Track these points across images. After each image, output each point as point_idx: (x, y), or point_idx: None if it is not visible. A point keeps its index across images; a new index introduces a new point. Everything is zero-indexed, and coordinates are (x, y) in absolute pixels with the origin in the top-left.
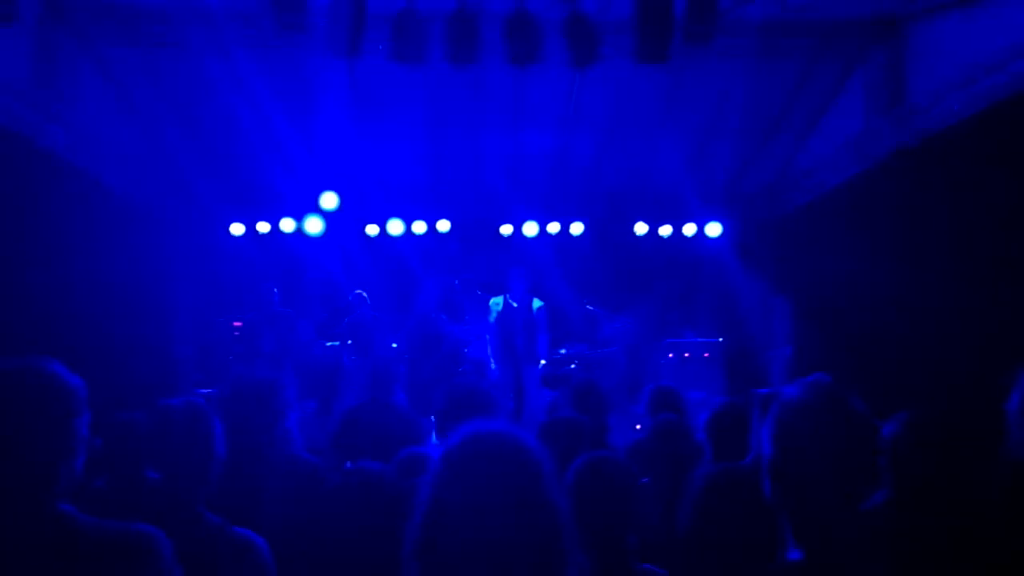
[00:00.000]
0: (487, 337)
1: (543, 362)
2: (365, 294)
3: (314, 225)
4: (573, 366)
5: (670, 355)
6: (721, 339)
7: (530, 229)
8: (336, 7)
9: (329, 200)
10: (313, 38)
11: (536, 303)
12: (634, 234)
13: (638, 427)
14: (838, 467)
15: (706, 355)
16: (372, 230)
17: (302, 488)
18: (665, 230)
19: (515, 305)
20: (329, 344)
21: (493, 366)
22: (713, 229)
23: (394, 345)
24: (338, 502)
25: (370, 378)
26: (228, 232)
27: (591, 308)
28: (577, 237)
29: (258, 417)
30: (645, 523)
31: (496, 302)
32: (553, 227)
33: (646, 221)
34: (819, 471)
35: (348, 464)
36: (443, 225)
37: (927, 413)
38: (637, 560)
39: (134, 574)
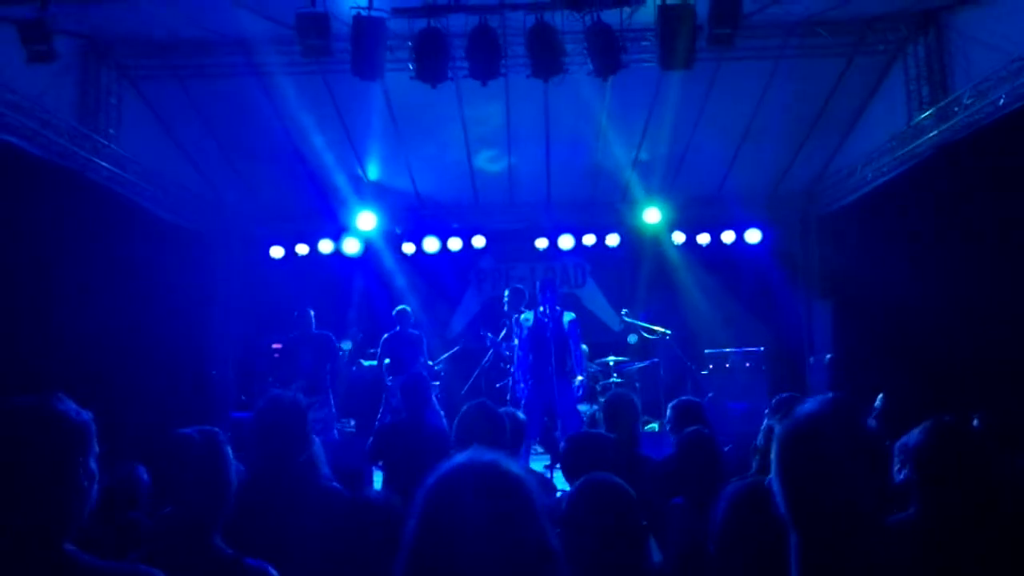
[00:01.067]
0: (519, 354)
1: (580, 377)
2: (409, 309)
3: (352, 246)
4: (614, 378)
5: (711, 365)
6: (763, 348)
7: (566, 242)
8: (358, 31)
9: (366, 220)
10: (344, 61)
11: (568, 316)
12: (672, 242)
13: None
14: (846, 490)
15: (748, 364)
16: (408, 248)
17: (317, 516)
18: (703, 238)
19: (546, 320)
20: (368, 363)
21: (528, 383)
22: (753, 235)
23: (431, 363)
24: (344, 532)
25: (401, 397)
26: (268, 254)
27: (630, 319)
28: (613, 248)
29: (283, 444)
30: (682, 541)
31: (527, 317)
32: (589, 239)
33: (684, 229)
34: (826, 493)
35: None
36: (478, 241)
37: (952, 422)
38: None
39: None
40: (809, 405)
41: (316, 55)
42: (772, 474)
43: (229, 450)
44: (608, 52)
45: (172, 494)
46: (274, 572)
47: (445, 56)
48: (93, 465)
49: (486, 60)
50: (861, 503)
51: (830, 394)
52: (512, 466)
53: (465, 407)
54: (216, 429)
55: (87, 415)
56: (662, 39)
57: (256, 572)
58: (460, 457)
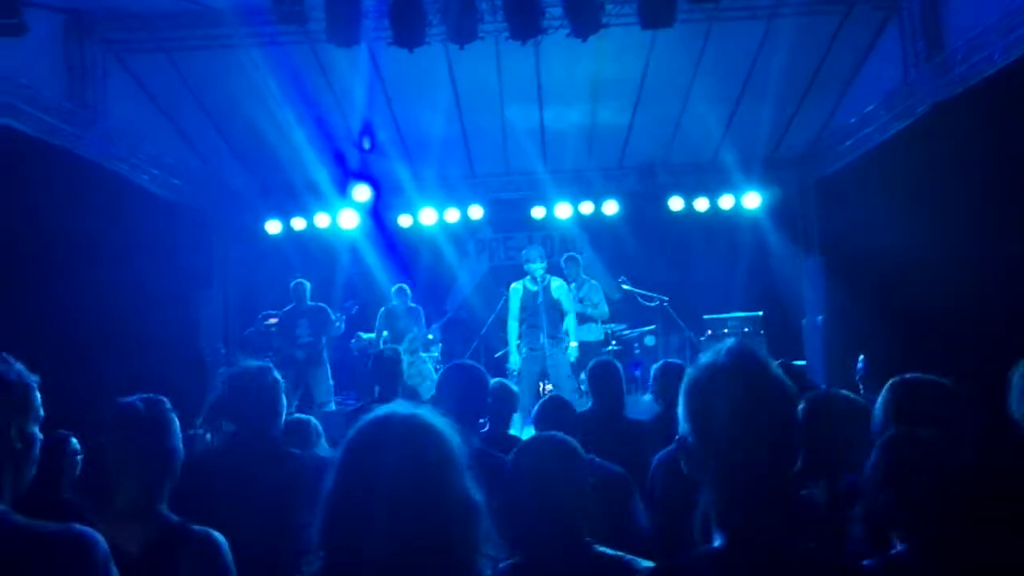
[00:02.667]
0: (512, 325)
1: (574, 344)
2: (407, 286)
3: (349, 218)
4: (613, 345)
5: (709, 331)
6: (762, 312)
7: (563, 210)
8: None
9: (362, 193)
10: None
11: (557, 283)
12: (669, 208)
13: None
14: (756, 441)
15: (746, 329)
16: (405, 220)
17: (290, 486)
18: (702, 203)
19: (535, 289)
20: (366, 336)
21: (522, 352)
22: (752, 199)
23: (430, 336)
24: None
25: (372, 374)
26: (264, 229)
27: (628, 287)
28: (611, 215)
29: (252, 414)
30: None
31: (516, 287)
32: (586, 207)
33: (682, 194)
34: (734, 447)
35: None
36: (475, 211)
37: (911, 380)
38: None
39: (67, 573)
40: (707, 355)
41: (292, 22)
42: (681, 430)
43: (175, 419)
44: (587, 12)
45: (114, 462)
46: (220, 538)
47: (421, 19)
48: (32, 429)
49: (462, 22)
50: (769, 460)
51: (729, 342)
52: (434, 418)
53: (445, 367)
54: (162, 398)
55: (31, 379)
56: None
57: (202, 538)
58: (381, 409)
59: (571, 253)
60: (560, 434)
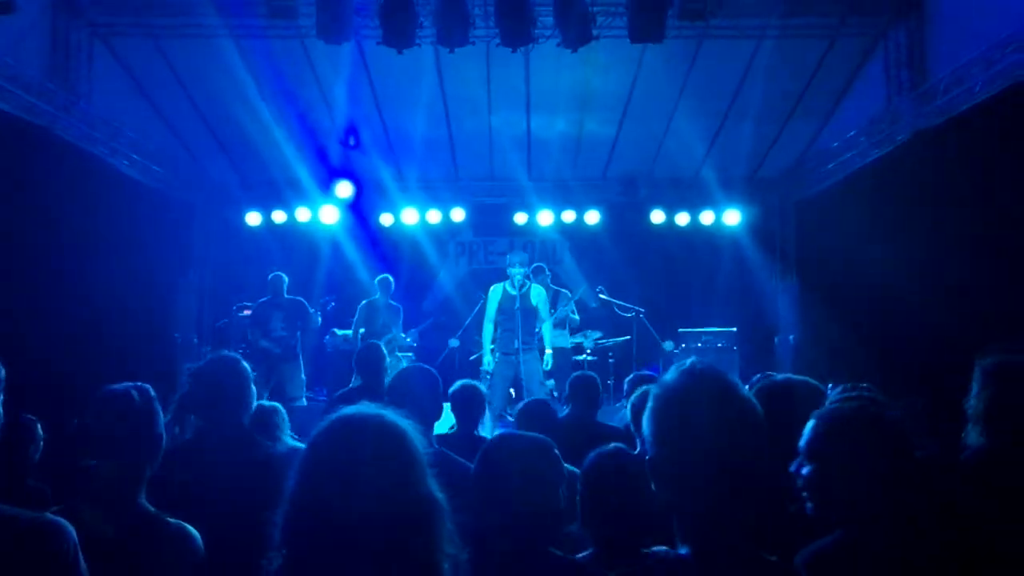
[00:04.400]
0: (488, 327)
1: (548, 351)
2: (391, 278)
3: (330, 214)
4: (587, 354)
5: (683, 344)
6: (736, 328)
7: (545, 218)
8: None
9: (344, 189)
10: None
11: (536, 290)
12: (651, 221)
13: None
14: (722, 459)
15: (720, 344)
16: (387, 219)
17: (259, 479)
18: (682, 218)
19: (514, 293)
20: (342, 332)
21: (496, 356)
22: (732, 216)
23: (408, 339)
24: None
25: (356, 368)
26: (245, 220)
27: (605, 296)
28: (592, 225)
29: (222, 403)
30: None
31: (495, 290)
32: (568, 215)
33: (663, 208)
34: (701, 464)
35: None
36: (458, 214)
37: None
38: (647, 541)
39: (36, 562)
40: (670, 374)
41: (282, 16)
42: (646, 452)
43: (158, 409)
44: (578, 23)
45: (101, 449)
46: (194, 532)
47: (412, 21)
48: None
49: (454, 26)
50: (734, 479)
51: (690, 360)
52: (398, 419)
53: (400, 369)
54: (147, 386)
55: None
56: (632, 10)
57: (177, 531)
58: (346, 409)
59: (538, 263)
60: (534, 433)
